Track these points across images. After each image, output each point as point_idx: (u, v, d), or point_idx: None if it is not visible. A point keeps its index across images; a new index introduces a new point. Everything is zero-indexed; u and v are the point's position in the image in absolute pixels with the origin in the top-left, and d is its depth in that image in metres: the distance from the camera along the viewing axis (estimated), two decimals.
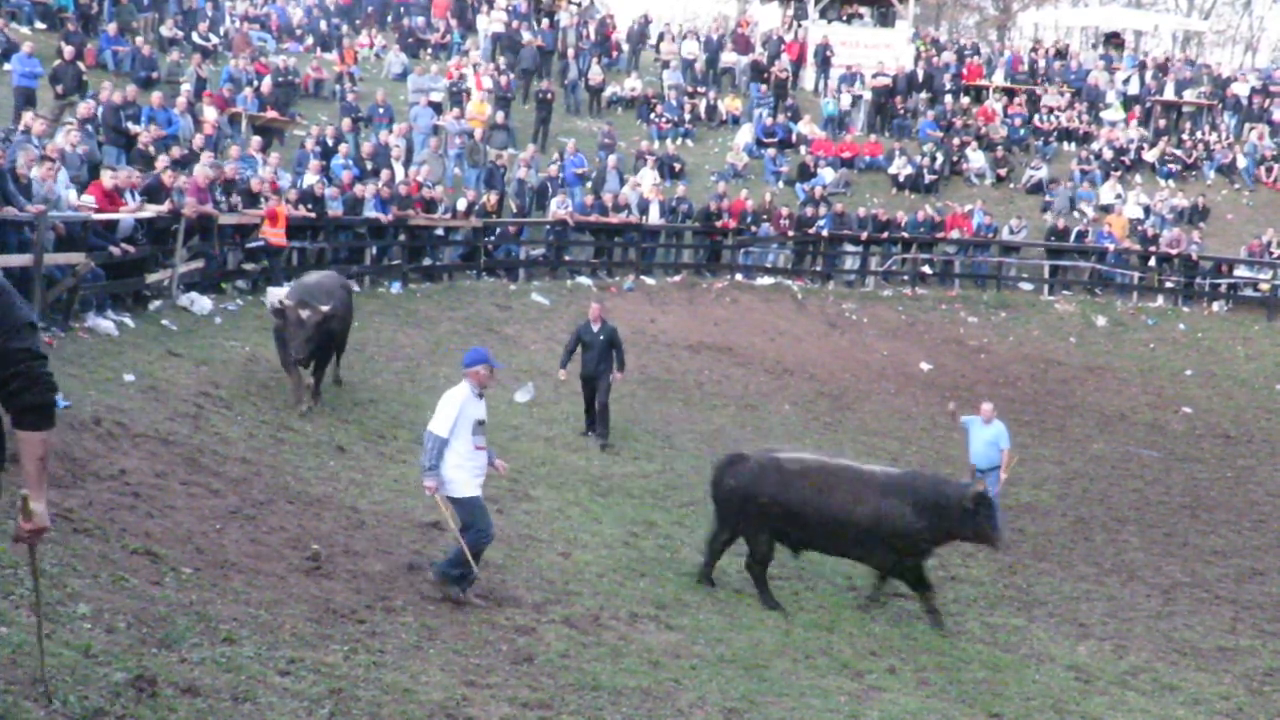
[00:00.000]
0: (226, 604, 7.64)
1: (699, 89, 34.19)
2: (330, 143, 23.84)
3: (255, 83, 25.37)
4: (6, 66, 21.70)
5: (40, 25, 25.63)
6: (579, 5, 37.03)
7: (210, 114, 23.05)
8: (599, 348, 15.65)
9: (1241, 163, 33.47)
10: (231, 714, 5.87)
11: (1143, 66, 37.45)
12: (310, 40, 31.21)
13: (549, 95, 30.21)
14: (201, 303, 17.11)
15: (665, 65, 34.66)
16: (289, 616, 7.75)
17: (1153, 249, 29.11)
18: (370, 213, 21.56)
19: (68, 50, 22.79)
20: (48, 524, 4.58)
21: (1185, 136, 34.96)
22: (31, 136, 17.25)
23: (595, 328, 15.65)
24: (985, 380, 23.07)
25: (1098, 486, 17.87)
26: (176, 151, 19.76)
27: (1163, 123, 35.76)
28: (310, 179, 21.35)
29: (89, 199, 15.38)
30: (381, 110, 26.96)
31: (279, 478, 11.38)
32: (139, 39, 26.19)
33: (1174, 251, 28.79)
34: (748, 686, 8.71)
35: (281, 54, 28.99)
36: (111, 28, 26.39)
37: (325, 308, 13.51)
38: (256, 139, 22.84)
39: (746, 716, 8.06)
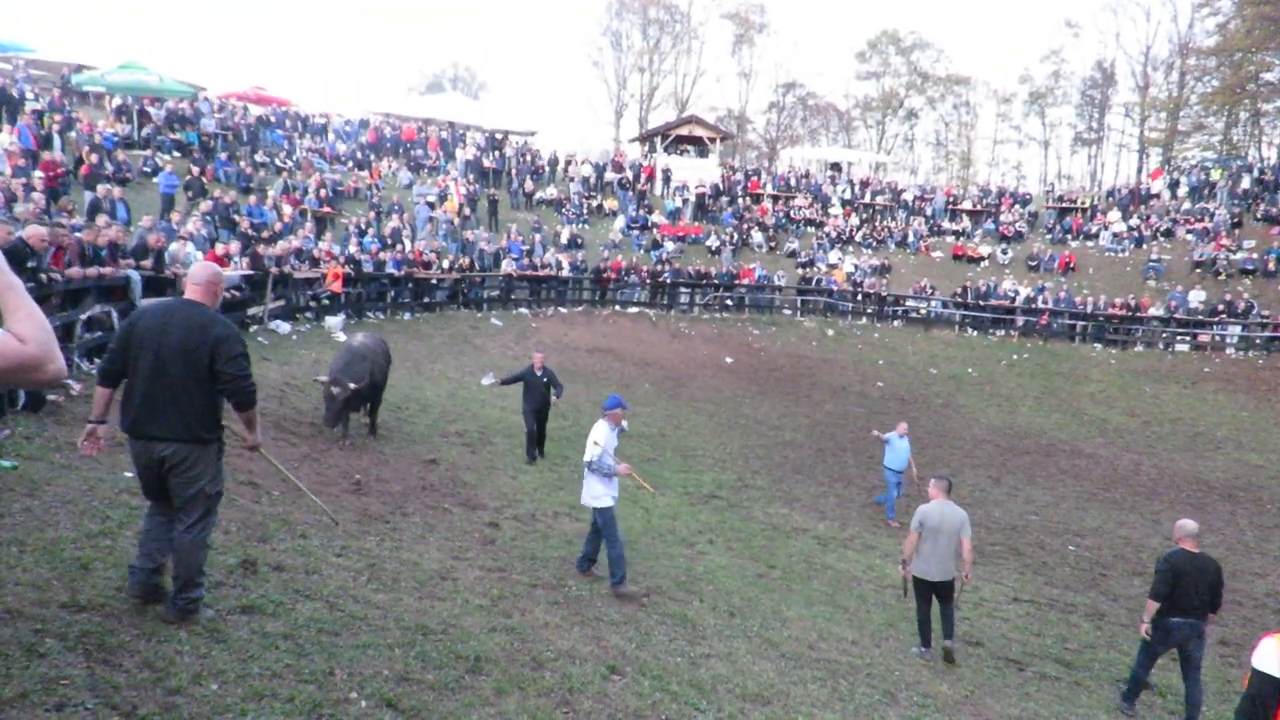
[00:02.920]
0: (300, 513, 7.45)
1: (592, 194, 34.18)
2: (363, 226, 23.31)
3: (316, 190, 24.68)
4: (156, 179, 20.74)
5: (177, 154, 24.57)
6: (518, 143, 36.69)
7: (286, 209, 22.38)
8: (541, 388, 12.66)
9: (910, 239, 34.56)
10: (305, 582, 5.74)
11: (852, 184, 38.52)
12: (350, 163, 30.44)
13: (496, 198, 29.97)
14: (283, 326, 16.60)
15: (571, 180, 34.60)
16: (341, 519, 7.58)
17: (859, 289, 29.95)
18: (390, 270, 21.18)
19: (195, 170, 21.93)
20: (260, 442, 5.18)
21: (877, 224, 36.00)
22: (173, 224, 16.59)
23: (539, 373, 12.69)
24: (764, 367, 23.45)
25: (829, 429, 18.29)
26: (266, 233, 19.16)
27: (864, 215, 36.73)
28: (351, 249, 20.90)
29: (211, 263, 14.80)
30: (396, 206, 26.44)
31: (332, 435, 11.11)
32: (241, 162, 25.29)
33: (871, 291, 29.69)
34: (625, 553, 8.74)
35: (332, 171, 28.27)
36: (223, 155, 25.45)
37: (354, 385, 10.89)
38: (312, 224, 22.24)
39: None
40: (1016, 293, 29.02)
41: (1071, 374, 24.87)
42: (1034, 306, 28.37)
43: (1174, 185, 37.35)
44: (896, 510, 12.92)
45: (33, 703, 3.49)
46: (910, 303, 29.69)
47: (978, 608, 9.66)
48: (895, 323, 29.22)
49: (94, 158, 20.04)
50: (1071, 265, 31.28)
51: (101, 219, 13.09)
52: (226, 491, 5.67)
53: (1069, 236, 34.37)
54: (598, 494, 7.69)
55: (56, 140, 20.57)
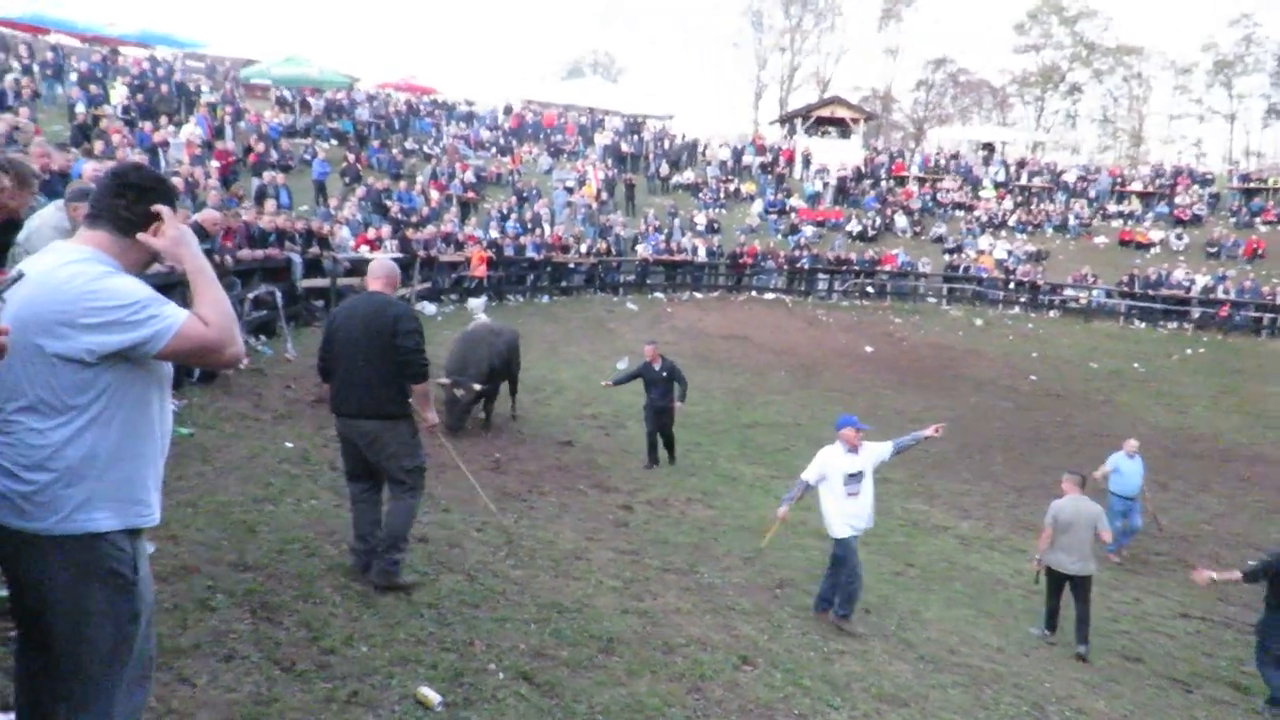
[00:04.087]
0: (444, 488, 7.77)
1: (729, 178, 34.01)
2: (505, 211, 24.04)
3: (460, 176, 25.63)
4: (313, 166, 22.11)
5: (334, 142, 26.05)
6: (655, 127, 36.90)
7: (434, 195, 23.34)
8: (662, 383, 11.18)
9: (1071, 222, 32.71)
10: (447, 555, 5.99)
11: (1006, 165, 36.77)
12: (494, 150, 31.44)
13: (633, 182, 30.25)
14: (428, 307, 17.36)
15: (708, 163, 34.53)
16: (482, 496, 7.86)
17: (1012, 277, 28.64)
18: (530, 254, 21.75)
19: (350, 157, 23.17)
20: (435, 421, 5.40)
21: (1033, 207, 34.26)
22: (330, 209, 17.59)
23: (656, 366, 11.15)
24: (904, 358, 22.72)
25: (974, 424, 17.58)
26: (414, 218, 20.05)
27: (1019, 198, 35.02)
28: (493, 233, 21.60)
29: (364, 248, 15.64)
30: (535, 192, 27.14)
31: (473, 415, 11.53)
32: (393, 149, 26.56)
33: (1025, 279, 28.32)
34: (756, 544, 8.70)
35: (477, 158, 29.28)
36: (375, 143, 26.80)
37: (478, 386, 10.24)
38: (457, 209, 23.11)
39: (755, 562, 8.06)
40: (1192, 281, 26.90)
41: (1255, 372, 22.85)
42: (1212, 297, 26.18)
43: None
44: (1125, 544, 11.10)
45: (204, 653, 3.81)
46: (1069, 291, 28.16)
47: (1140, 621, 9.06)
48: (1051, 313, 27.74)
49: (261, 146, 21.51)
50: (1259, 252, 28.66)
51: (269, 204, 14.03)
52: None
53: (1256, 220, 31.51)
54: (834, 524, 6.98)
55: (228, 130, 22.20)
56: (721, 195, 32.47)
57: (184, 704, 3.36)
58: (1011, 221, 32.89)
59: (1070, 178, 35.86)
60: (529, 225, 23.73)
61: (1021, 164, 37.21)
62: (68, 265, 2.21)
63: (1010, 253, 30.09)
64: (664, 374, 11.12)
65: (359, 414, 4.92)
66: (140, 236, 2.32)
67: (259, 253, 11.45)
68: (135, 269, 2.34)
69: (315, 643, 4.16)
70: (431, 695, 3.85)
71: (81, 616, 2.21)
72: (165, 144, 17.66)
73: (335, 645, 4.17)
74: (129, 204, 2.31)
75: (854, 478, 7.08)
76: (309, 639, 4.18)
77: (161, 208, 2.34)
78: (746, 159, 35.32)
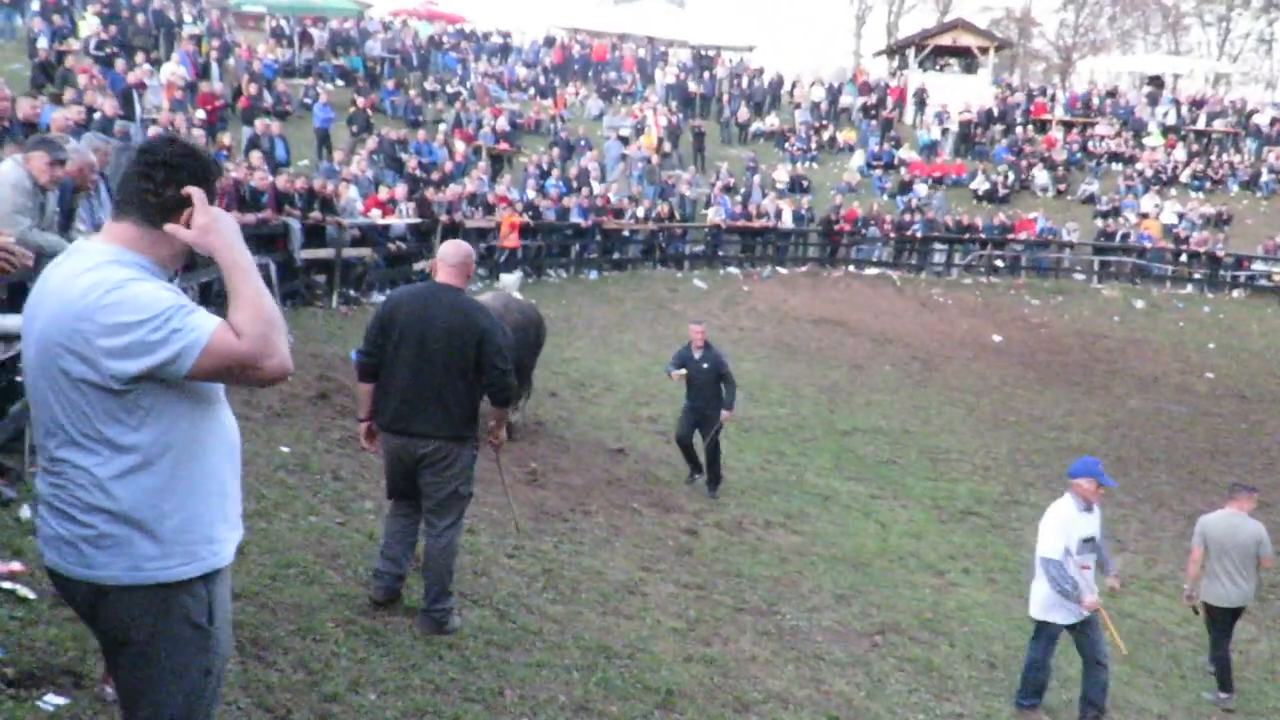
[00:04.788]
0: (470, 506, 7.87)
1: (823, 124, 33.75)
2: (545, 167, 24.21)
3: (492, 123, 25.88)
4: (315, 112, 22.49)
5: (340, 83, 26.51)
6: (731, 62, 36.79)
7: (459, 146, 23.61)
8: (705, 380, 10.41)
9: (1263, 177, 31.76)
10: (472, 584, 6.08)
11: (1178, 104, 35.80)
12: (532, 90, 31.68)
13: (703, 130, 30.22)
14: None
15: (797, 106, 34.32)
16: (514, 516, 7.96)
17: (1184, 247, 27.95)
18: (575, 219, 21.90)
19: (359, 101, 23.58)
20: (504, 441, 5.86)
21: (1213, 158, 33.36)
22: (334, 165, 17.94)
23: (698, 355, 10.44)
24: (1044, 350, 22.32)
25: (1134, 434, 17.19)
26: (435, 175, 20.33)
27: (1195, 147, 34.11)
28: (530, 193, 21.80)
29: (375, 212, 15.93)
30: (583, 142, 27.28)
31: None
32: (410, 91, 26.95)
33: (1201, 249, 27.61)
34: (854, 579, 8.66)
35: (511, 101, 29.53)
36: (390, 83, 27.21)
37: None
38: (487, 164, 23.35)
39: (852, 601, 8.02)
40: None
41: None
42: None
43: None
44: None
45: None
46: (1259, 265, 27.37)
47: None
48: (1235, 292, 27.01)
49: (253, 88, 22.01)
50: None
51: (255, 157, 14.35)
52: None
53: None
54: (1046, 603, 6.55)
55: (214, 69, 22.76)
56: (813, 146, 32.25)
57: None
58: (1185, 177, 32.05)
59: (1263, 120, 34.76)
60: (574, 184, 23.86)
61: (1199, 103, 36.18)
62: (87, 273, 2.27)
63: (1183, 216, 29.32)
64: (705, 365, 10.42)
65: (424, 433, 5.05)
66: (169, 228, 2.35)
67: (250, 217, 11.75)
68: (171, 264, 2.42)
69: (315, 687, 4.27)
70: None
71: (154, 671, 2.39)
72: (142, 85, 18.18)
73: (339, 691, 4.27)
74: (158, 187, 2.34)
75: (1088, 544, 6.64)
76: (307, 683, 4.30)
77: (192, 190, 2.36)
78: (845, 100, 34.99)
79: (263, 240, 12.21)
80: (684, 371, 10.60)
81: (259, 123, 18.65)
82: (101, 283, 2.22)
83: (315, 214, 13.76)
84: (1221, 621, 8.05)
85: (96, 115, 13.69)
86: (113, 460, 2.28)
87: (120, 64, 18.95)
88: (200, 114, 18.39)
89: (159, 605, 2.35)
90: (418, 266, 16.58)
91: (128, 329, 2.19)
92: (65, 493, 2.32)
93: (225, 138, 16.96)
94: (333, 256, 14.03)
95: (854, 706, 5.77)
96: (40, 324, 2.29)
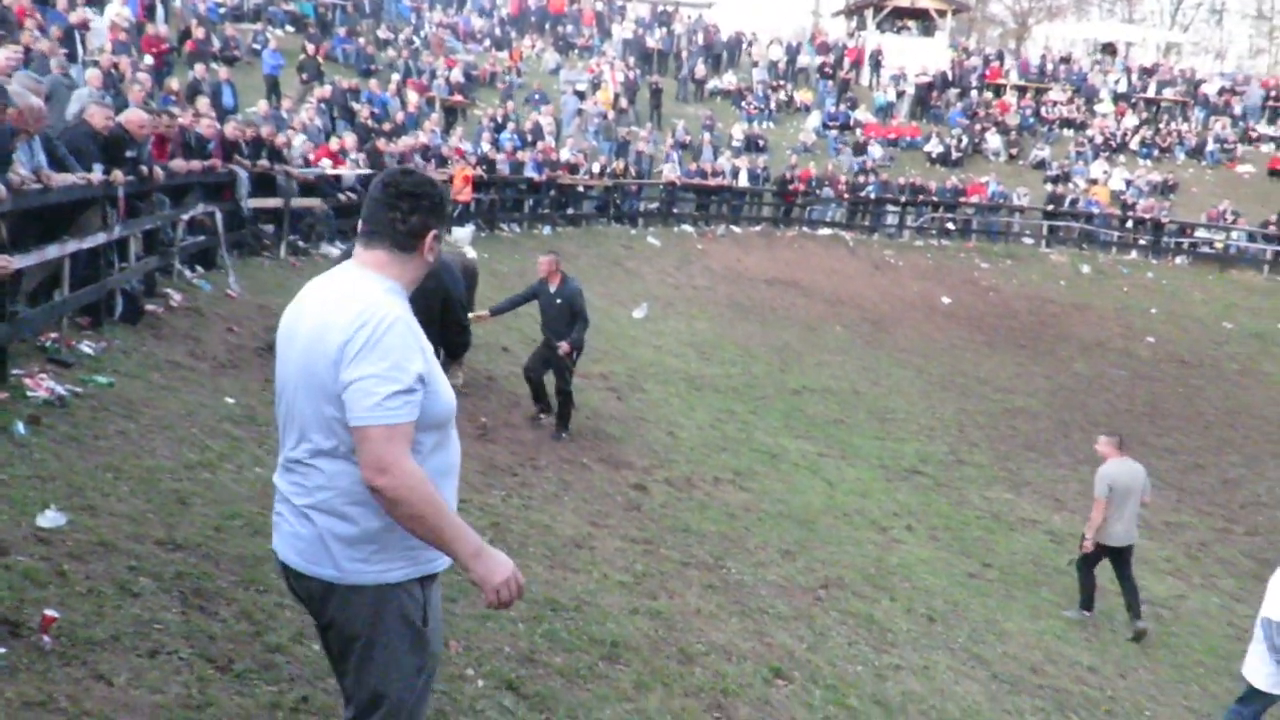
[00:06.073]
0: None
1: (780, 83, 33.67)
2: (500, 120, 23.95)
3: (446, 74, 25.52)
4: (264, 58, 22.00)
5: (289, 29, 25.94)
6: (690, 19, 36.52)
7: (412, 97, 23.26)
8: (556, 315, 9.75)
9: (1209, 146, 32.26)
10: None
11: (1130, 71, 36.17)
12: (488, 42, 31.25)
13: (661, 87, 30.03)
14: None
15: (755, 64, 34.19)
16: (462, 470, 7.95)
17: (1130, 214, 28.37)
18: (529, 173, 21.73)
19: (310, 48, 23.09)
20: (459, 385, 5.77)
21: (1162, 126, 33.80)
22: (282, 112, 17.58)
23: (552, 289, 9.72)
24: (992, 313, 22.62)
25: (1077, 397, 17.53)
26: (387, 126, 20.03)
27: (1145, 115, 34.52)
28: (485, 147, 21.57)
29: (326, 161, 15.66)
30: (538, 96, 27.01)
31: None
32: (362, 39, 26.46)
33: (1147, 216, 28.04)
34: (800, 535, 8.78)
35: (466, 52, 29.13)
36: (342, 30, 26.69)
37: None
38: (441, 116, 23.06)
39: (798, 557, 8.13)
40: None
41: None
42: None
43: None
44: None
45: (125, 646, 3.90)
46: (1202, 233, 27.90)
47: None
48: (1179, 259, 27.52)
49: (200, 32, 21.46)
50: None
51: (202, 103, 14.03)
52: None
53: None
54: (1262, 671, 6.12)
55: (160, 11, 22.13)
56: (770, 105, 32.17)
57: (100, 705, 3.45)
58: (1134, 144, 32.44)
59: (1211, 89, 35.25)
60: (529, 138, 23.64)
61: (1150, 71, 36.57)
62: (355, 300, 2.50)
63: (1130, 183, 29.73)
64: (558, 300, 9.74)
65: None
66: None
67: (196, 164, 11.48)
68: (413, 286, 2.70)
69: (258, 638, 4.25)
70: None
71: (375, 665, 2.62)
72: (85, 26, 17.61)
73: (282, 642, 4.26)
74: (404, 216, 2.59)
75: None
76: (251, 633, 4.28)
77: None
78: (803, 60, 34.89)
79: (209, 189, 11.96)
80: (485, 314, 10.21)
81: (199, 67, 18.20)
82: (369, 318, 2.45)
83: (263, 162, 13.49)
84: (1120, 559, 8.69)
85: (35, 56, 13.25)
86: (353, 470, 2.48)
87: (62, 2, 18.35)
88: (147, 59, 17.90)
89: (381, 603, 2.57)
90: None
91: (372, 364, 2.42)
92: (307, 495, 2.55)
93: (173, 82, 16.54)
94: (282, 206, 13.79)
95: (796, 658, 5.87)
96: (304, 338, 2.54)
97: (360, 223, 2.65)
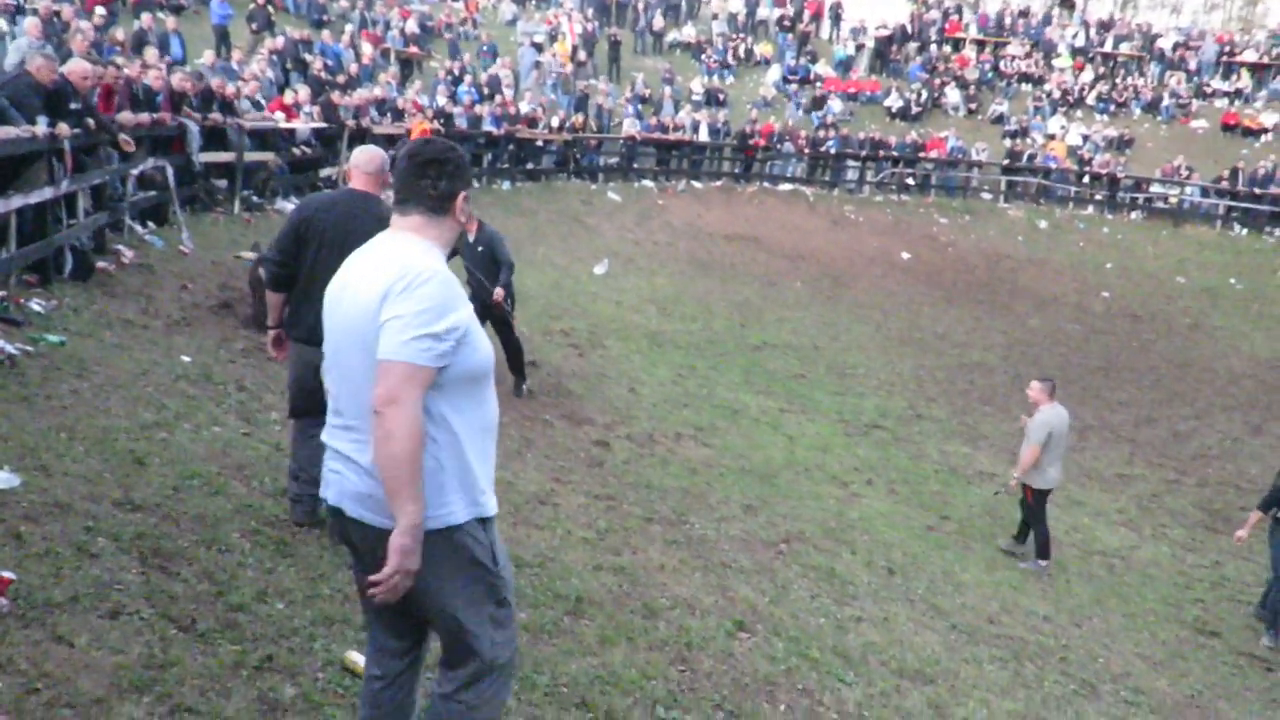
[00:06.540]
0: None
1: (740, 36, 33.46)
2: (457, 73, 23.61)
3: (401, 25, 25.07)
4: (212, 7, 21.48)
5: None
6: None
7: (367, 49, 22.86)
8: (480, 264, 9.32)
9: (1165, 101, 32.55)
10: None
11: (1087, 25, 36.33)
12: None
13: (619, 39, 29.76)
14: None
15: (714, 17, 33.94)
16: None
17: (1087, 169, 28.62)
18: (487, 127, 21.48)
19: None
20: None
21: (1118, 81, 34.02)
22: (232, 64, 17.21)
23: (470, 237, 9.29)
24: (950, 269, 22.79)
25: (1032, 351, 17.76)
26: (341, 78, 19.68)
27: (1102, 70, 34.73)
28: (441, 100, 21.28)
29: (279, 115, 15.37)
30: (486, 48, 26.68)
31: None
32: None
33: (1103, 171, 28.32)
34: (761, 490, 8.86)
35: (422, 3, 28.62)
36: None
37: None
38: (397, 69, 22.72)
39: (759, 511, 8.20)
40: None
41: None
42: None
43: None
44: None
45: (84, 607, 3.86)
46: (1156, 188, 28.24)
47: (1216, 589, 9.35)
48: (1133, 214, 27.85)
49: None
50: None
51: (151, 54, 13.69)
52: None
53: None
54: None
55: None
56: (729, 58, 31.97)
57: (61, 667, 3.42)
58: (1091, 99, 32.70)
59: (1166, 44, 35.51)
60: (487, 91, 23.34)
61: (1106, 25, 36.77)
62: (395, 260, 2.66)
63: (1087, 138, 29.99)
64: (479, 249, 9.37)
65: None
66: None
67: (145, 117, 11.21)
68: (449, 246, 2.86)
69: (220, 598, 4.23)
70: (362, 662, 3.94)
71: (456, 607, 2.77)
72: None
73: (245, 601, 4.24)
74: (434, 182, 2.75)
75: None
76: (212, 593, 4.25)
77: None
78: (762, 12, 34.68)
79: (158, 142, 11.70)
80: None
81: (145, 16, 17.75)
82: (409, 270, 2.60)
83: (214, 115, 13.21)
84: (1041, 502, 9.11)
85: None
86: None
87: None
88: (100, 10, 17.41)
89: (451, 546, 2.71)
90: (325, 173, 16.11)
91: (415, 312, 2.56)
92: (365, 450, 2.65)
93: (118, 32, 16.11)
94: (234, 160, 13.53)
95: (758, 611, 5.94)
96: (350, 301, 2.70)
97: (393, 193, 2.81)
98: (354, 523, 2.76)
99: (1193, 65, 34.52)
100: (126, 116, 10.58)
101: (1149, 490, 12.12)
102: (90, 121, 9.11)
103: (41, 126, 7.93)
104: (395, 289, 2.58)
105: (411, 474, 2.54)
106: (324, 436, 2.86)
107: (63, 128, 8.18)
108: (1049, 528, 9.20)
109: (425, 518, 2.61)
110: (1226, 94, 33.19)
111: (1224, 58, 34.81)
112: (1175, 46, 35.38)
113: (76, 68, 9.21)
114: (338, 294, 2.81)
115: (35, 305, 7.55)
